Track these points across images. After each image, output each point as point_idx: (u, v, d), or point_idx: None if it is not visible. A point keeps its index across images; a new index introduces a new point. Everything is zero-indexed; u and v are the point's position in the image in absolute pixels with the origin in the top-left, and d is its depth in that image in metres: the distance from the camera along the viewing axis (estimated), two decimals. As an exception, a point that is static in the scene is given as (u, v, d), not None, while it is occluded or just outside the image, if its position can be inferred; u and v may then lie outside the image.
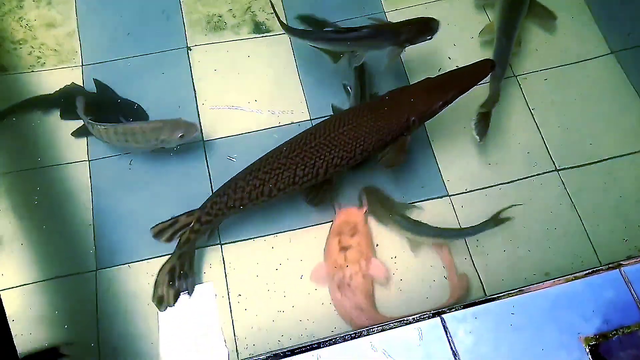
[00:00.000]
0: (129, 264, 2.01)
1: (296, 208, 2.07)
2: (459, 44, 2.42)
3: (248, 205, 1.91)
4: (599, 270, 1.33)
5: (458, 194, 2.12)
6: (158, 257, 1.99)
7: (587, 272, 1.33)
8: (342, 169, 1.93)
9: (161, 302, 1.90)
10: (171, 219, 1.95)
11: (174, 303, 1.89)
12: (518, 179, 2.14)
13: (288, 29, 2.23)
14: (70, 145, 2.21)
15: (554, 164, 2.17)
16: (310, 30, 2.30)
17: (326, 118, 2.03)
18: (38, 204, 2.11)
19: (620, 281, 1.30)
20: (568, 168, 2.17)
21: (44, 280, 1.98)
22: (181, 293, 1.91)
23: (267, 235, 2.05)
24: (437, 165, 2.17)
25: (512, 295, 1.28)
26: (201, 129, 2.19)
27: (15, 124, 2.24)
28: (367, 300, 1.83)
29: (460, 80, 1.93)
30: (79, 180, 2.16)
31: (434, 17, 2.09)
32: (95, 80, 2.30)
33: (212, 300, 1.94)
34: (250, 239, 2.04)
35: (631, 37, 2.40)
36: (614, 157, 2.19)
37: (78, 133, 2.22)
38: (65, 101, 2.25)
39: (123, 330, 1.91)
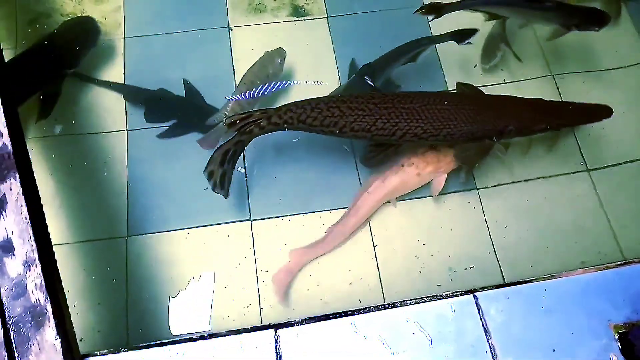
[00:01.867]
0: (159, 233, 2.07)
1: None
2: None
3: (317, 129, 1.89)
4: (631, 262, 1.34)
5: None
6: (186, 228, 2.06)
7: (619, 262, 1.35)
8: (418, 142, 1.91)
9: (211, 177, 1.93)
10: (245, 113, 1.93)
11: (219, 183, 1.93)
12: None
13: (454, 5, 2.17)
14: (110, 113, 2.28)
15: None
16: None
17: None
18: (75, 169, 2.17)
19: (651, 273, 1.32)
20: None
21: (77, 242, 2.04)
22: (226, 177, 1.94)
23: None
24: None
25: (545, 280, 1.31)
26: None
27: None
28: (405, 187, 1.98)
29: (573, 115, 1.95)
30: (116, 148, 2.22)
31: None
32: (185, 82, 2.32)
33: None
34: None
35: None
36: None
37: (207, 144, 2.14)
38: (152, 104, 2.30)
39: (152, 294, 1.96)
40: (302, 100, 1.92)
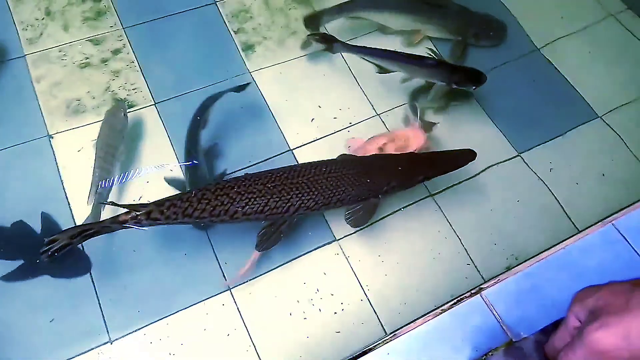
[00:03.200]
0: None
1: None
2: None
3: (206, 219, 1.85)
4: (462, 299, 1.39)
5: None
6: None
7: (452, 302, 1.39)
8: (310, 213, 1.97)
9: (50, 243, 1.76)
10: (126, 205, 1.81)
11: (53, 251, 1.76)
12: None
13: (345, 46, 2.43)
14: None
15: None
16: (371, 47, 2.41)
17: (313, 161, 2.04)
18: None
19: (482, 306, 1.37)
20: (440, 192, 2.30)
21: None
22: (64, 250, 1.77)
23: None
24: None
25: (387, 342, 1.31)
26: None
27: None
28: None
29: (444, 162, 2.12)
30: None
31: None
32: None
33: None
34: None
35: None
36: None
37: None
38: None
39: None
40: (183, 193, 1.88)
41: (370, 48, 2.40)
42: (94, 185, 2.09)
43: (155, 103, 2.44)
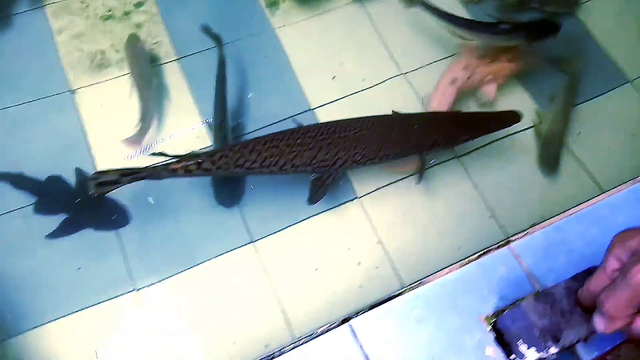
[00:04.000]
0: (38, 327, 1.89)
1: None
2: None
3: (255, 171, 1.90)
4: (489, 250, 1.38)
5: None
6: (66, 315, 1.90)
7: (479, 253, 1.38)
8: (358, 167, 2.02)
9: (99, 176, 1.89)
10: (173, 156, 1.90)
11: (102, 184, 1.89)
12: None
13: (426, 6, 2.37)
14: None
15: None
16: (451, 14, 2.35)
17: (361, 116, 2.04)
18: None
19: (510, 257, 1.36)
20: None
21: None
22: (113, 187, 1.90)
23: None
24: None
25: (413, 288, 1.31)
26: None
27: None
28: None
29: (488, 123, 2.13)
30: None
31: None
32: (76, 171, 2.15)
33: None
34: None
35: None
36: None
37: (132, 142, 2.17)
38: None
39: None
40: (235, 144, 1.94)
41: (450, 15, 2.34)
42: (146, 111, 2.18)
43: (179, 59, 2.43)
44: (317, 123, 2.00)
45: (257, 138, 1.93)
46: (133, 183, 1.90)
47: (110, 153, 2.17)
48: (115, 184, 1.89)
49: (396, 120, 2.08)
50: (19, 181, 2.11)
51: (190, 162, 1.87)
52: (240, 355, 1.87)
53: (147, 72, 2.27)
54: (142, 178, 1.90)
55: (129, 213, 2.08)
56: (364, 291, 1.98)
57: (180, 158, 1.88)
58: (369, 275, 2.02)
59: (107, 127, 2.23)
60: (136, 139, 2.16)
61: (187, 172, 1.88)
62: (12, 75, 2.32)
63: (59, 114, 2.26)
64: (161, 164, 1.90)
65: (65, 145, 2.20)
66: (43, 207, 2.08)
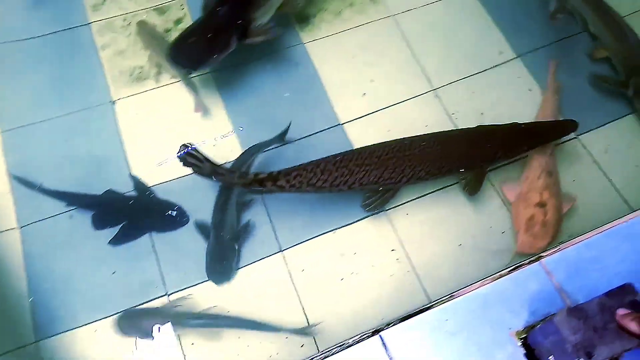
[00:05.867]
0: (72, 330, 1.95)
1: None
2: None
3: (326, 189, 1.98)
4: (521, 265, 1.39)
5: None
6: (100, 319, 1.97)
7: (511, 268, 1.39)
8: (421, 182, 2.08)
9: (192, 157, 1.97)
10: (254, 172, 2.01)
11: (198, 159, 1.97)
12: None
13: None
14: (-3, 214, 2.14)
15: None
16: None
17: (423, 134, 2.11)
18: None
19: (542, 273, 1.37)
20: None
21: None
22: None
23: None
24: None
25: (444, 302, 1.33)
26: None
27: None
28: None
29: (546, 132, 2.18)
30: (9, 248, 2.08)
31: None
32: (134, 178, 2.23)
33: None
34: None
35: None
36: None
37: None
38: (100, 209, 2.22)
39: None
40: (308, 164, 2.01)
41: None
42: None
43: (212, 72, 2.50)
44: (382, 142, 2.06)
45: (325, 158, 2.00)
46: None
47: (143, 158, 2.27)
48: (195, 168, 1.97)
49: (457, 136, 2.14)
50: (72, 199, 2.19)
51: (266, 177, 1.95)
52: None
53: (162, 42, 2.47)
54: (217, 179, 2.00)
55: (187, 213, 2.17)
56: (390, 302, 1.99)
57: (258, 173, 1.97)
58: (396, 287, 2.03)
59: (142, 133, 2.33)
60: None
61: (261, 185, 1.96)
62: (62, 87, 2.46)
63: (99, 122, 2.36)
64: (239, 172, 2.01)
65: (104, 153, 2.29)
66: (100, 220, 2.15)
